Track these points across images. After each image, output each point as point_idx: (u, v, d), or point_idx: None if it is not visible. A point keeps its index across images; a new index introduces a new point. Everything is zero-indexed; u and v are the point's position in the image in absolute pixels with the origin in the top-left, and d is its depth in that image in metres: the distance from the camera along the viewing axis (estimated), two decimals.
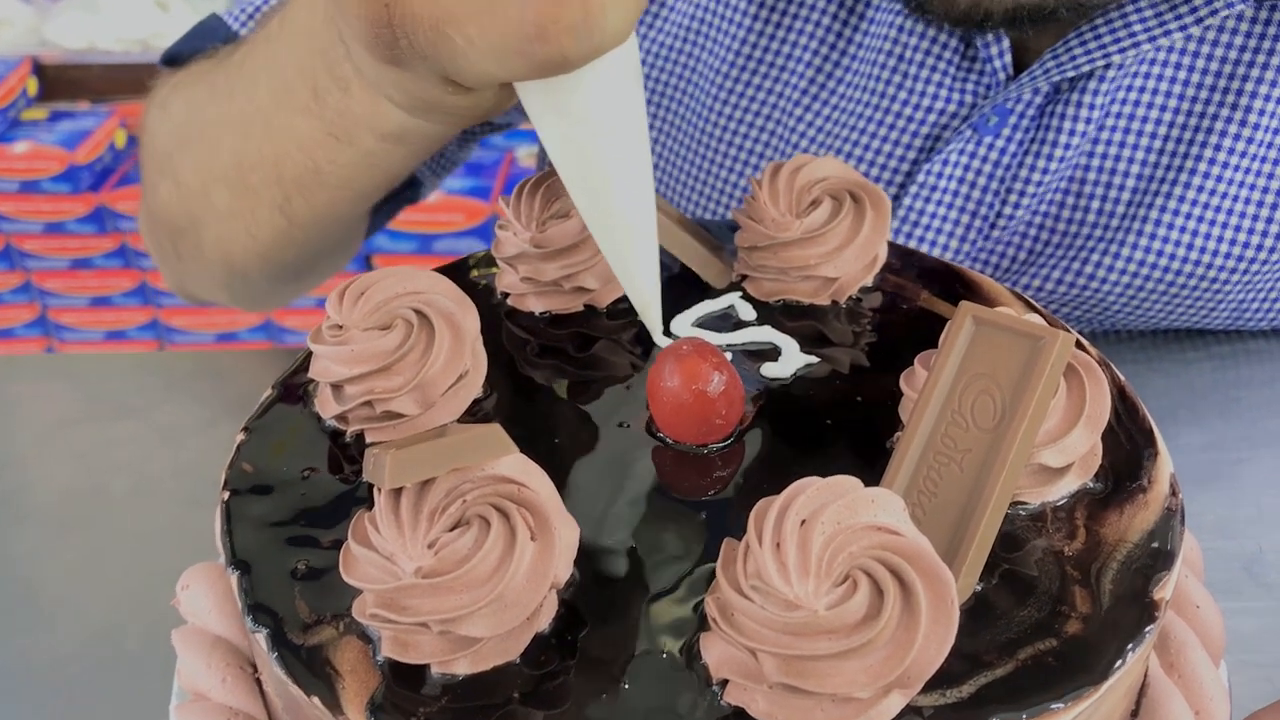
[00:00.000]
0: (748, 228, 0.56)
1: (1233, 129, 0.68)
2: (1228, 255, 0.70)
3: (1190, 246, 0.70)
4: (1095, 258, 0.71)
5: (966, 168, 0.72)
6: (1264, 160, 0.68)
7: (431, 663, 0.39)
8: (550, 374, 0.53)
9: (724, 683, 0.38)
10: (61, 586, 0.62)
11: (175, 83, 0.77)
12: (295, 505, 0.46)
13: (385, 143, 0.57)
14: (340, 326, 0.48)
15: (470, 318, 0.49)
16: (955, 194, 0.73)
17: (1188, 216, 0.69)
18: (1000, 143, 0.71)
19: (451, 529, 0.39)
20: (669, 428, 0.48)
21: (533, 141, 2.28)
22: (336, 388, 0.48)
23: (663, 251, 0.57)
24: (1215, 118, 0.68)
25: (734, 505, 0.46)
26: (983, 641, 0.40)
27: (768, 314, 0.56)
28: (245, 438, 0.50)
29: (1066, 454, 0.44)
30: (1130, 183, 0.70)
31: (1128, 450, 0.47)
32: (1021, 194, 0.71)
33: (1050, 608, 0.41)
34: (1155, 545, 0.44)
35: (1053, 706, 0.38)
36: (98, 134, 2.18)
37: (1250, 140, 0.68)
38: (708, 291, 0.57)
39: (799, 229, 0.54)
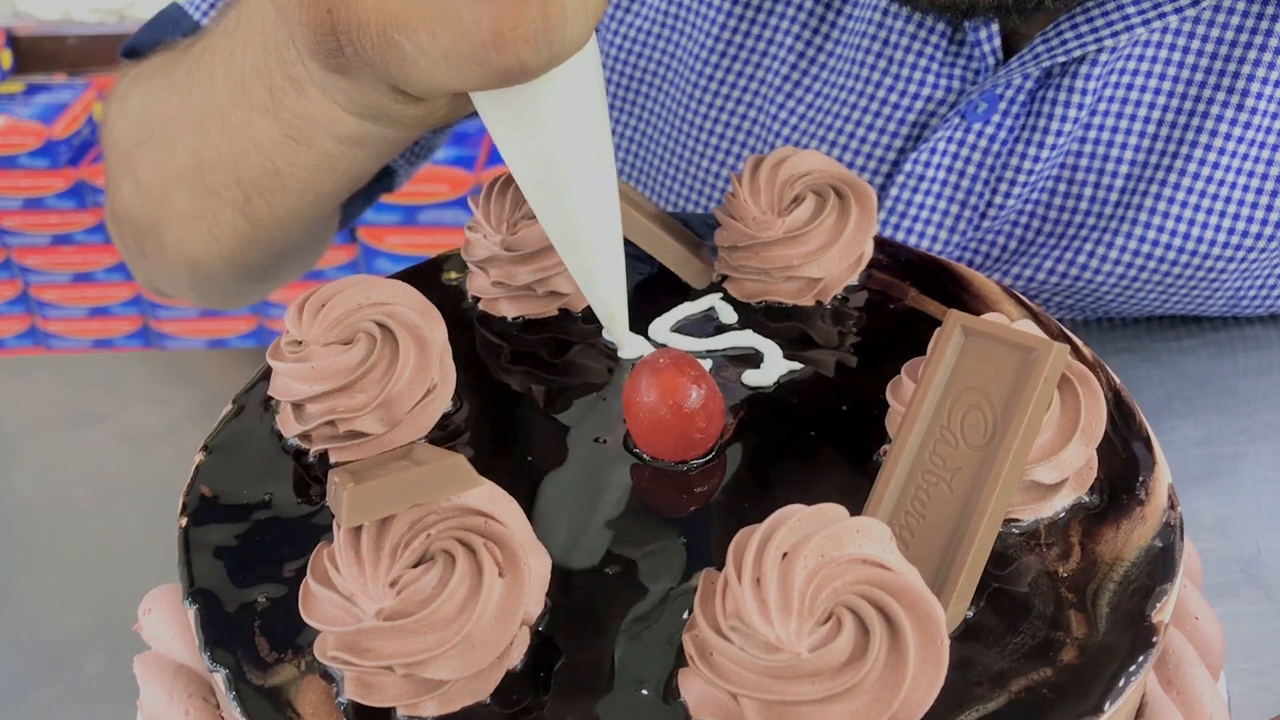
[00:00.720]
0: (728, 226, 0.54)
1: (1229, 114, 0.66)
2: (1225, 244, 0.68)
3: (1186, 235, 0.68)
4: (1089, 247, 0.70)
5: (955, 156, 0.70)
6: (1261, 145, 0.66)
7: (397, 706, 0.37)
8: (524, 383, 0.51)
9: None
10: (21, 605, 0.59)
11: (134, 75, 0.75)
12: (256, 532, 0.44)
13: (343, 145, 0.54)
14: (300, 342, 0.46)
15: (437, 329, 0.47)
16: (944, 184, 0.71)
17: (1183, 205, 0.67)
18: (990, 130, 0.69)
19: (415, 565, 0.37)
20: (646, 444, 0.46)
21: None
22: (297, 406, 0.46)
23: (640, 251, 0.55)
24: (1211, 102, 0.66)
25: (715, 524, 0.44)
26: (974, 672, 0.38)
27: (749, 316, 0.54)
28: (204, 458, 0.48)
29: (1061, 469, 0.42)
30: (1124, 169, 0.68)
31: (1124, 460, 0.46)
32: (1012, 183, 0.69)
33: (1044, 633, 0.39)
34: (1154, 563, 0.42)
35: None
36: (75, 107, 2.13)
37: (1247, 125, 0.66)
38: (687, 293, 0.55)
39: (781, 228, 0.52)
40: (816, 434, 0.48)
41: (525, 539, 0.38)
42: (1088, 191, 0.69)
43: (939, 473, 0.41)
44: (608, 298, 0.50)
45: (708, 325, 0.53)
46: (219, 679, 0.39)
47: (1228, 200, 0.67)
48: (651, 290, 0.55)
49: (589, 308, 0.54)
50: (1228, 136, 0.66)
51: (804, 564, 0.35)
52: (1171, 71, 0.67)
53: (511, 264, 0.52)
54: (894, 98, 0.70)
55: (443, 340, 0.47)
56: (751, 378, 0.50)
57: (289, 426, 0.47)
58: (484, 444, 0.47)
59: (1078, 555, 0.42)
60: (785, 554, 0.36)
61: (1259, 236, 0.68)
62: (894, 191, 0.72)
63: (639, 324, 0.53)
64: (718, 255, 0.55)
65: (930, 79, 0.69)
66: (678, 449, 0.46)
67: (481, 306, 0.54)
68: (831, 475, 0.46)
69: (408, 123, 0.48)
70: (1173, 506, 0.44)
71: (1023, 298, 0.54)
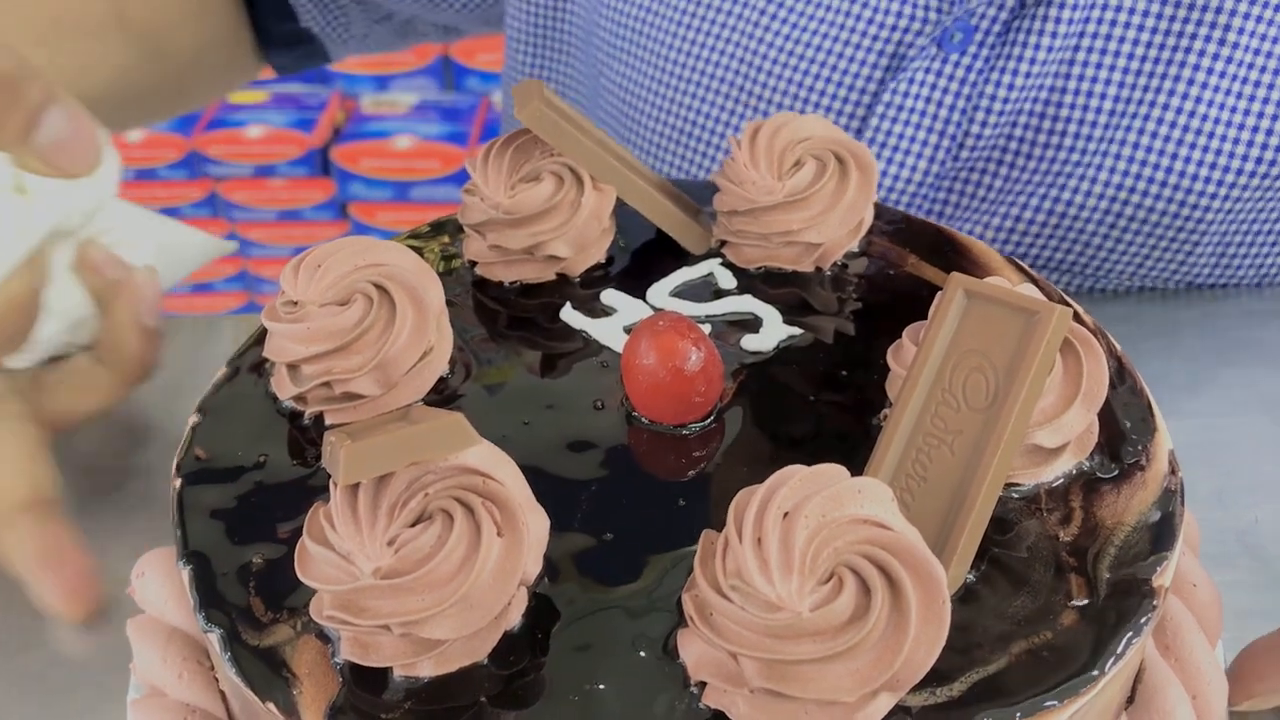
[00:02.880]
0: (727, 191, 0.53)
1: (1211, 47, 0.66)
2: (1207, 179, 0.68)
3: (1169, 170, 0.68)
4: (1073, 184, 0.70)
5: (933, 86, 0.70)
6: (1244, 81, 0.67)
7: (394, 665, 0.37)
8: (521, 348, 0.50)
9: (702, 684, 0.36)
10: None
11: None
12: (251, 494, 0.44)
13: None
14: (295, 303, 0.45)
15: (434, 291, 0.46)
16: (922, 114, 0.71)
17: (1165, 138, 0.68)
18: (966, 60, 0.69)
19: (413, 524, 0.37)
20: (645, 407, 0.45)
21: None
22: (293, 367, 0.46)
23: (640, 217, 0.54)
24: (1194, 37, 0.67)
25: (713, 488, 0.44)
26: (974, 634, 0.38)
27: (749, 282, 0.53)
28: (199, 419, 0.47)
29: (1062, 433, 0.42)
30: (1107, 105, 0.68)
31: (1125, 426, 0.45)
32: (988, 111, 0.69)
33: (1045, 597, 0.39)
34: (1154, 528, 0.42)
35: (1047, 704, 0.36)
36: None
37: (1229, 60, 0.66)
38: (686, 258, 0.55)
39: (780, 193, 0.52)
40: (816, 398, 0.47)
41: (524, 499, 0.38)
42: (1071, 128, 0.69)
43: (940, 435, 0.41)
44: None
45: (706, 290, 0.53)
46: (214, 639, 0.39)
47: (1210, 135, 0.67)
48: (650, 255, 0.55)
49: (588, 271, 0.54)
50: (1209, 71, 0.66)
51: (805, 524, 0.35)
52: (1154, 9, 0.67)
53: (509, 228, 0.52)
54: (872, 29, 0.70)
55: (440, 303, 0.47)
56: (750, 342, 0.50)
57: (284, 388, 0.46)
58: (480, 408, 0.47)
59: (1079, 520, 0.42)
60: (786, 514, 0.35)
61: (1239, 173, 0.68)
62: (874, 122, 0.72)
63: (638, 288, 0.52)
64: (716, 220, 0.55)
65: (907, 9, 0.70)
66: (676, 412, 0.45)
67: (478, 271, 0.54)
68: (831, 439, 0.46)
69: None
70: (1173, 472, 0.44)
71: (1023, 265, 0.54)
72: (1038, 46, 0.67)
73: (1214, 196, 0.69)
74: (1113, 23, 0.67)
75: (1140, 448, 0.44)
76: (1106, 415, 0.45)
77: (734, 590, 0.35)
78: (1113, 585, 0.40)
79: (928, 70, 0.69)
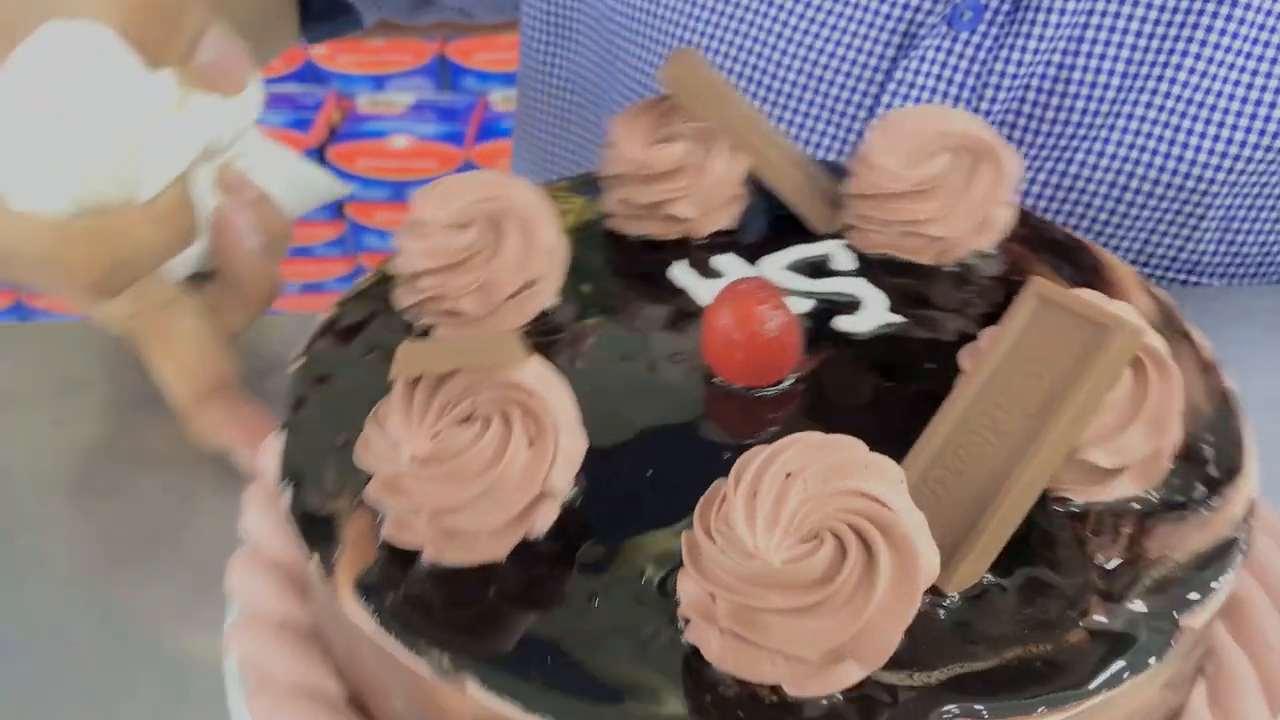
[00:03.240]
0: (858, 174, 0.54)
1: (1219, 23, 0.67)
2: (1211, 152, 0.69)
3: (1173, 142, 0.68)
4: (1079, 156, 0.70)
5: (944, 65, 0.70)
6: (1250, 56, 0.67)
7: (423, 549, 0.41)
8: (627, 297, 0.53)
9: (689, 620, 0.38)
10: (4, 574, 0.56)
11: None
12: (356, 385, 0.48)
13: None
14: (422, 221, 0.50)
15: (546, 227, 0.50)
16: (933, 91, 0.71)
17: (1171, 111, 0.68)
18: (975, 38, 0.69)
19: (459, 425, 0.40)
20: (716, 365, 0.47)
21: (507, 85, 2.14)
22: (411, 280, 0.50)
23: (769, 191, 0.56)
24: (1201, 12, 0.67)
25: None
26: (972, 632, 0.38)
27: (866, 267, 0.54)
28: (335, 312, 0.52)
29: (1120, 455, 0.41)
30: (1115, 80, 0.69)
31: (1206, 459, 0.43)
32: (997, 88, 0.70)
33: (1059, 613, 0.39)
34: (1204, 570, 0.40)
35: (1020, 710, 0.36)
36: None
37: (1235, 35, 0.67)
38: (810, 236, 0.56)
39: (908, 182, 0.52)
40: (891, 386, 0.48)
41: (563, 419, 0.41)
42: (1079, 103, 0.69)
43: (985, 434, 0.41)
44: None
45: (820, 268, 0.54)
46: (286, 496, 0.44)
47: (1213, 109, 0.67)
48: (776, 228, 0.56)
49: (713, 235, 0.56)
50: (1216, 46, 0.67)
51: (803, 486, 0.36)
52: None
53: (638, 183, 0.54)
54: (884, 8, 0.71)
55: (550, 239, 0.50)
56: (845, 322, 0.50)
57: (403, 299, 0.51)
58: (569, 343, 0.50)
59: (1122, 547, 0.41)
60: (789, 474, 0.37)
61: (1244, 145, 0.68)
62: (885, 100, 0.72)
63: (753, 256, 0.54)
64: (846, 203, 0.55)
65: None
66: (746, 374, 0.47)
67: (609, 223, 0.57)
68: (894, 425, 0.46)
69: None
70: (1247, 521, 0.42)
71: (1159, 292, 0.52)
72: (1045, 24, 0.67)
73: (1219, 169, 0.69)
74: None
75: (1216, 487, 0.43)
76: (1188, 448, 0.43)
77: (719, 534, 0.36)
78: (1135, 616, 0.38)
79: (938, 49, 0.70)
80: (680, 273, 0.53)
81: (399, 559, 0.41)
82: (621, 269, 0.55)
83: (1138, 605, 0.39)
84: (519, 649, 0.38)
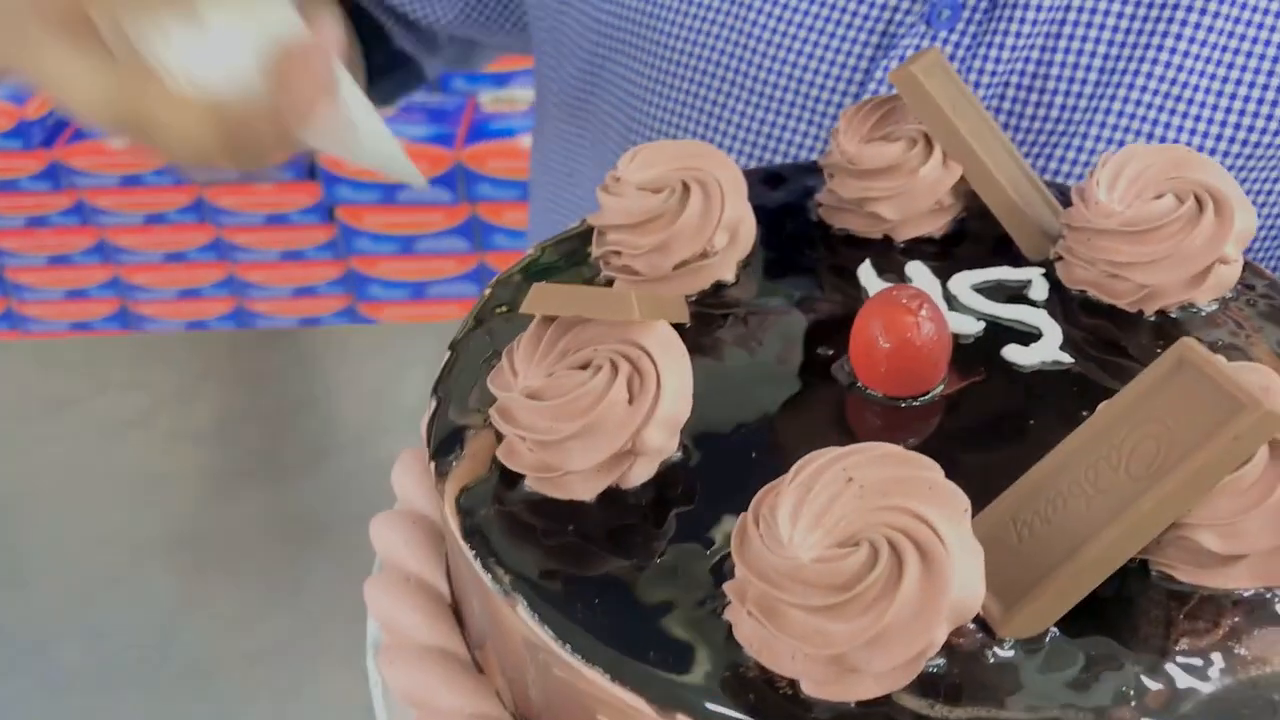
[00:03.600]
0: (1075, 205, 0.51)
1: (1193, 16, 0.66)
2: (1189, 146, 0.66)
3: (1150, 136, 0.68)
4: (1059, 152, 0.69)
5: None
6: (1224, 49, 0.66)
7: (527, 474, 0.44)
8: (805, 285, 0.54)
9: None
10: None
11: None
12: (522, 321, 0.52)
13: None
14: (621, 180, 0.53)
15: (733, 201, 0.51)
16: None
17: (1148, 105, 0.67)
18: (954, 36, 0.68)
19: (574, 368, 0.43)
20: (859, 369, 0.47)
21: (497, 86, 2.04)
22: (602, 233, 0.53)
23: (986, 212, 0.54)
24: (1178, 6, 0.66)
25: None
26: (1015, 681, 0.37)
27: (1060, 301, 0.51)
28: (535, 253, 0.57)
29: (1235, 543, 0.38)
30: (1092, 75, 0.68)
31: None
32: (975, 85, 0.68)
33: (1115, 690, 0.36)
34: None
35: None
36: None
37: (1210, 29, 0.66)
38: (1016, 259, 0.54)
39: (1117, 220, 0.49)
40: (1035, 423, 0.46)
41: (669, 382, 0.42)
42: (1058, 99, 0.68)
43: (1085, 487, 0.39)
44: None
45: (1012, 295, 0.52)
46: (431, 403, 0.48)
47: (1189, 102, 0.67)
48: (984, 245, 0.55)
49: (912, 241, 0.55)
50: (1191, 40, 0.66)
51: (859, 492, 0.36)
52: None
53: (848, 177, 0.55)
54: (862, 8, 0.69)
55: (737, 215, 0.51)
56: (1012, 351, 0.49)
57: (595, 250, 0.54)
58: (735, 321, 0.51)
59: (1213, 641, 0.38)
60: (850, 479, 0.37)
61: (1220, 138, 0.67)
62: (867, 98, 0.66)
63: (947, 270, 0.53)
64: (1063, 233, 0.53)
65: None
66: (887, 382, 0.47)
67: (819, 212, 0.57)
68: (1017, 463, 0.44)
69: None
70: None
71: None
72: (1023, 20, 0.67)
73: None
74: None
75: None
76: None
77: (764, 520, 0.37)
78: (1196, 712, 0.36)
79: (916, 48, 0.68)
80: (865, 272, 0.53)
81: (507, 479, 0.45)
82: (817, 259, 0.56)
83: (1201, 712, 0.36)
84: (574, 586, 0.40)
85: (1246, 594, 0.39)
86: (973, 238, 0.56)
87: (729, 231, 0.52)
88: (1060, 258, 0.53)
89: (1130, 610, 0.39)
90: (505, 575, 0.41)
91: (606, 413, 0.42)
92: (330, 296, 2.19)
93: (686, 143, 0.53)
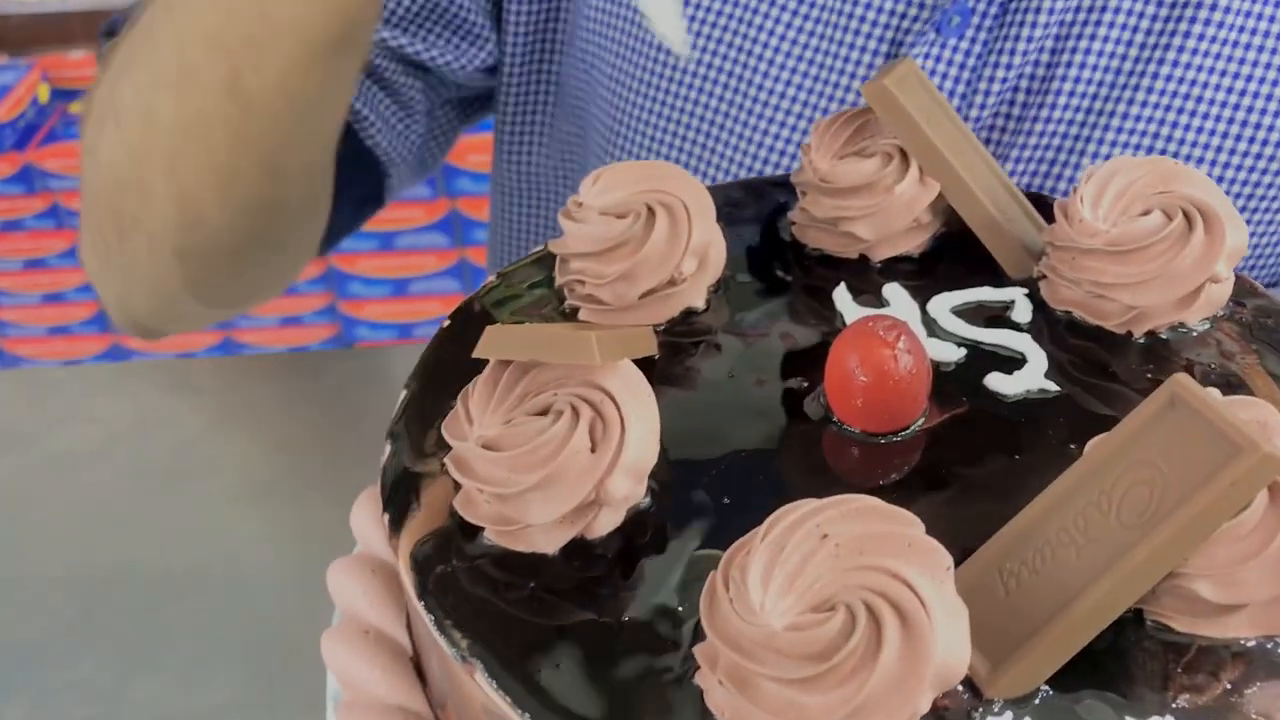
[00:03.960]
0: (1058, 222, 0.49)
1: (1197, 29, 0.65)
2: (1199, 160, 0.67)
3: (1151, 149, 0.67)
4: (1063, 156, 0.69)
5: (931, 72, 0.67)
6: (1229, 60, 0.65)
7: (485, 527, 0.42)
8: (779, 312, 0.51)
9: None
10: None
11: (113, 45, 0.70)
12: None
13: None
14: (583, 204, 0.50)
15: (700, 225, 0.49)
16: None
17: (1155, 106, 0.66)
18: (964, 44, 0.67)
19: (537, 413, 0.41)
20: (834, 404, 0.45)
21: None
22: (564, 261, 0.51)
23: (967, 226, 0.52)
24: (1181, 19, 0.65)
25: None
26: None
27: (1043, 323, 0.49)
28: (493, 280, 0.54)
29: (1234, 592, 0.36)
30: (1098, 75, 0.67)
31: None
32: (986, 94, 0.68)
33: None
34: None
35: None
36: (19, 89, 2.02)
37: (1215, 40, 0.65)
38: (998, 279, 0.52)
39: (1102, 239, 0.47)
40: (1019, 461, 0.44)
41: (634, 428, 0.40)
42: (1061, 99, 0.67)
43: (1075, 535, 0.37)
44: None
45: (994, 317, 0.50)
46: (387, 447, 0.46)
47: (1192, 115, 0.66)
48: (963, 264, 0.52)
49: (889, 261, 0.53)
50: (1195, 51, 0.65)
51: (834, 551, 0.34)
52: None
53: (821, 195, 0.52)
54: (871, 14, 0.68)
55: (705, 239, 0.49)
56: (996, 381, 0.46)
57: (559, 277, 0.52)
58: (705, 350, 0.49)
59: (1214, 697, 0.36)
60: (825, 535, 0.35)
61: (1232, 153, 0.67)
62: None
63: (924, 292, 0.51)
64: (1046, 250, 0.51)
65: None
66: (863, 418, 0.44)
67: (793, 231, 0.55)
68: (1002, 504, 0.42)
69: None
70: None
71: None
72: (1034, 24, 0.66)
73: (1201, 163, 0.68)
74: None
75: None
76: None
77: (733, 583, 0.35)
78: None
79: (925, 56, 0.67)
80: (840, 296, 0.51)
81: (466, 530, 0.42)
82: (790, 282, 0.53)
83: None
84: (535, 649, 0.38)
85: (1248, 644, 0.37)
86: (953, 255, 0.53)
87: (697, 257, 0.49)
88: (1044, 276, 0.51)
89: (1125, 663, 0.37)
90: (462, 639, 0.38)
91: (568, 462, 0.39)
92: (310, 295, 2.16)
93: (650, 164, 0.50)
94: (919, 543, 0.34)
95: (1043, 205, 0.53)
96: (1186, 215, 0.46)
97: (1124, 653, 0.37)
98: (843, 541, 0.34)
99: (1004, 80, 0.67)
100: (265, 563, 0.57)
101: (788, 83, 0.69)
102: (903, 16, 0.67)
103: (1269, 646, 0.37)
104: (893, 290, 0.51)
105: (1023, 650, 0.36)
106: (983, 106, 0.68)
